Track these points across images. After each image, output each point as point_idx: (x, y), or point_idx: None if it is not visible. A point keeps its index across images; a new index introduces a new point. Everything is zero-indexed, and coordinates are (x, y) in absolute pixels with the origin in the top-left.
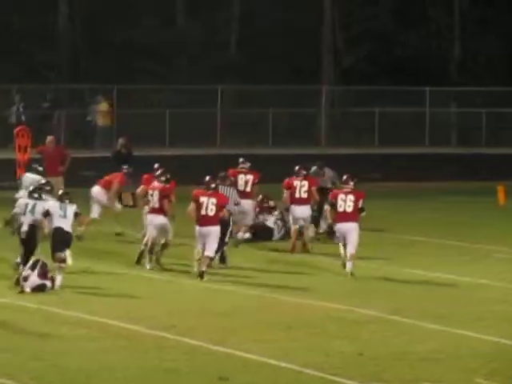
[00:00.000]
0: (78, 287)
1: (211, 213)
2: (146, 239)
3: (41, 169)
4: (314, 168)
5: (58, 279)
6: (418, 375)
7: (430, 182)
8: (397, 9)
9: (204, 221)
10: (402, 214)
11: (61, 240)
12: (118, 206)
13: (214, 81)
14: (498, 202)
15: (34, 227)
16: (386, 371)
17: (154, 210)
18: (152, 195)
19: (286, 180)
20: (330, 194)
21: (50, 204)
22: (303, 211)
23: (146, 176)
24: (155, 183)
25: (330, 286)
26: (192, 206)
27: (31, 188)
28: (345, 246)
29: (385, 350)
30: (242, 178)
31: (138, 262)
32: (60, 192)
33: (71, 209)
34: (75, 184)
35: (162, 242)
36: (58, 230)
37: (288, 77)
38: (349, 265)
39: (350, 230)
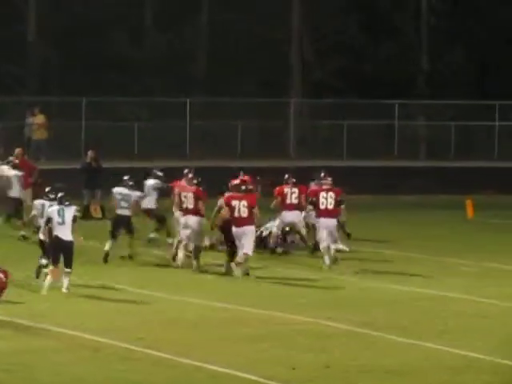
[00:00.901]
0: (48, 299)
1: (244, 214)
2: (178, 241)
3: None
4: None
5: (65, 282)
6: None
7: (398, 195)
8: (365, 22)
9: (239, 222)
10: (369, 227)
11: (62, 251)
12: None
13: (183, 94)
14: (466, 215)
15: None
16: None
17: (188, 211)
18: (186, 197)
19: (277, 188)
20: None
21: (50, 209)
22: (294, 216)
23: (176, 182)
24: (187, 186)
25: (298, 298)
26: (226, 210)
27: (60, 194)
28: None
29: (352, 362)
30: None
31: (173, 259)
32: (59, 194)
33: (70, 213)
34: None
35: (194, 245)
36: (57, 240)
37: (257, 89)
38: (326, 260)
39: (333, 226)
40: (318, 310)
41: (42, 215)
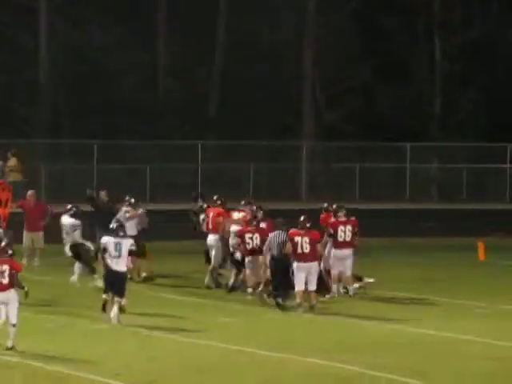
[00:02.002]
0: (62, 341)
1: (306, 250)
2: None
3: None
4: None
5: (115, 312)
6: None
7: (410, 237)
8: (377, 66)
9: (302, 258)
10: (382, 269)
11: (115, 281)
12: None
13: (195, 136)
14: (478, 257)
15: None
16: None
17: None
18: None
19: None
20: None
21: (105, 240)
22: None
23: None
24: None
25: (311, 341)
26: (288, 245)
27: (115, 226)
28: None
29: None
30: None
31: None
32: (114, 225)
33: (126, 245)
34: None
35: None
36: (112, 272)
37: (269, 132)
38: (351, 289)
39: (349, 256)
40: (331, 353)
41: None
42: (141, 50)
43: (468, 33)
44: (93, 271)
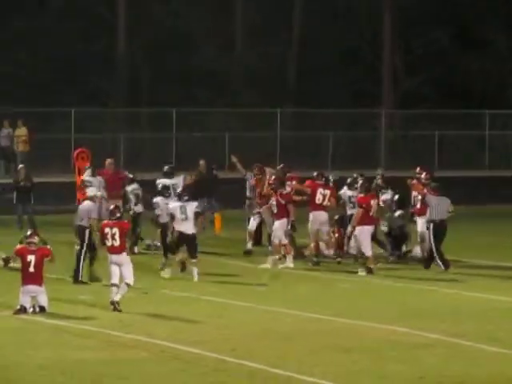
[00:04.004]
0: (138, 310)
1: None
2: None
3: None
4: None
5: (195, 272)
6: None
7: (490, 205)
8: (456, 33)
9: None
10: (461, 238)
11: (186, 244)
12: None
13: (273, 104)
14: None
15: None
16: None
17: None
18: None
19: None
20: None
21: (171, 206)
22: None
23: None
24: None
25: (389, 309)
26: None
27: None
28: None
29: (446, 373)
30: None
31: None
32: (178, 190)
33: (191, 208)
34: None
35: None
36: (181, 235)
37: (347, 100)
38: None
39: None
40: (410, 321)
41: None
42: (218, 17)
43: None
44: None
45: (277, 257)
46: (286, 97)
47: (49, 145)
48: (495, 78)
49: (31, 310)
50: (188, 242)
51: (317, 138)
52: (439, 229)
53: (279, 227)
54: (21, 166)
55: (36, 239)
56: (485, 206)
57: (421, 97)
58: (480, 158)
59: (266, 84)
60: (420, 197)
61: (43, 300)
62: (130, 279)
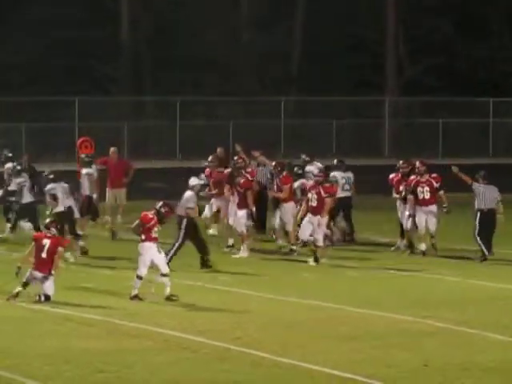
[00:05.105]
0: (144, 299)
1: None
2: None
3: None
4: None
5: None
6: None
7: None
8: (460, 21)
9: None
10: (465, 225)
11: None
12: None
13: (277, 92)
14: None
15: None
16: (452, 382)
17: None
18: None
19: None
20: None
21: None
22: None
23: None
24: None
25: (393, 297)
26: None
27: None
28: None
29: (451, 360)
30: None
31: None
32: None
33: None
34: (139, 196)
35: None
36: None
37: (351, 88)
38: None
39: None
40: (414, 309)
41: None
42: (223, 4)
43: None
44: None
45: (248, 243)
46: (290, 85)
47: (52, 133)
48: (499, 65)
49: (37, 298)
50: None
51: (321, 126)
52: (487, 217)
53: (242, 215)
54: (24, 155)
55: (54, 230)
56: None
57: (424, 85)
58: (484, 146)
59: (269, 72)
60: (420, 188)
61: (49, 288)
62: (164, 269)
